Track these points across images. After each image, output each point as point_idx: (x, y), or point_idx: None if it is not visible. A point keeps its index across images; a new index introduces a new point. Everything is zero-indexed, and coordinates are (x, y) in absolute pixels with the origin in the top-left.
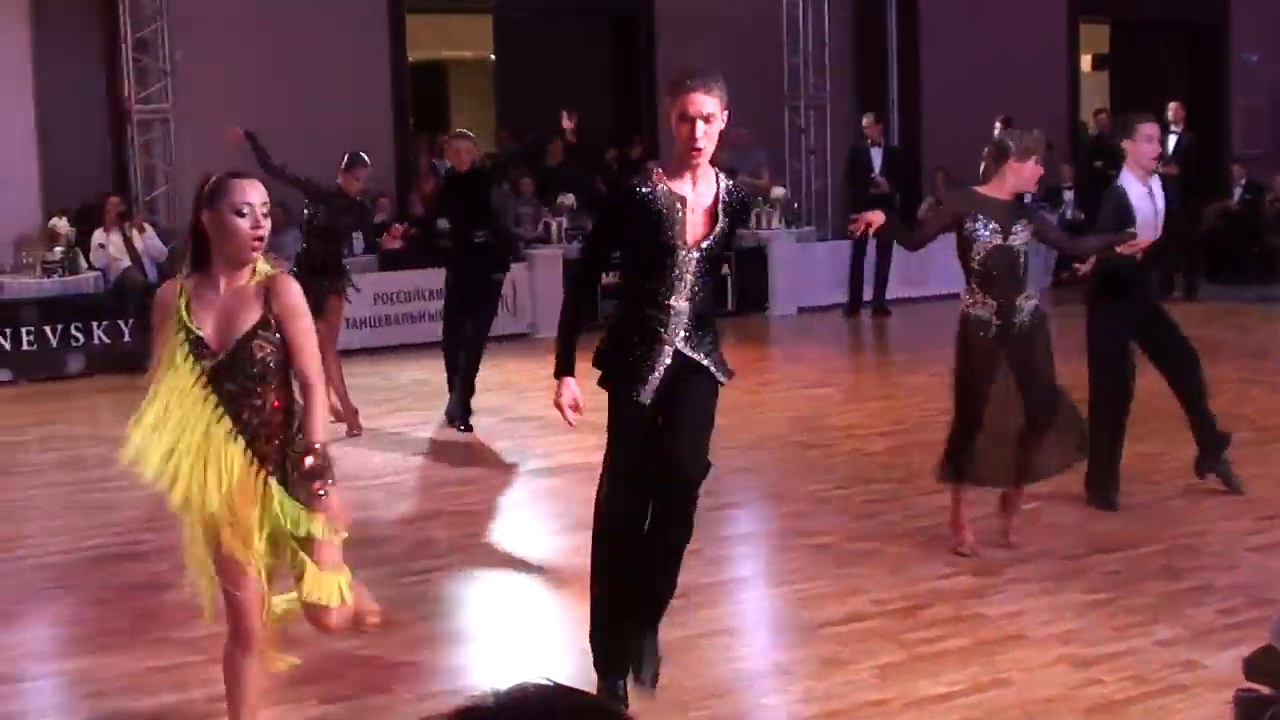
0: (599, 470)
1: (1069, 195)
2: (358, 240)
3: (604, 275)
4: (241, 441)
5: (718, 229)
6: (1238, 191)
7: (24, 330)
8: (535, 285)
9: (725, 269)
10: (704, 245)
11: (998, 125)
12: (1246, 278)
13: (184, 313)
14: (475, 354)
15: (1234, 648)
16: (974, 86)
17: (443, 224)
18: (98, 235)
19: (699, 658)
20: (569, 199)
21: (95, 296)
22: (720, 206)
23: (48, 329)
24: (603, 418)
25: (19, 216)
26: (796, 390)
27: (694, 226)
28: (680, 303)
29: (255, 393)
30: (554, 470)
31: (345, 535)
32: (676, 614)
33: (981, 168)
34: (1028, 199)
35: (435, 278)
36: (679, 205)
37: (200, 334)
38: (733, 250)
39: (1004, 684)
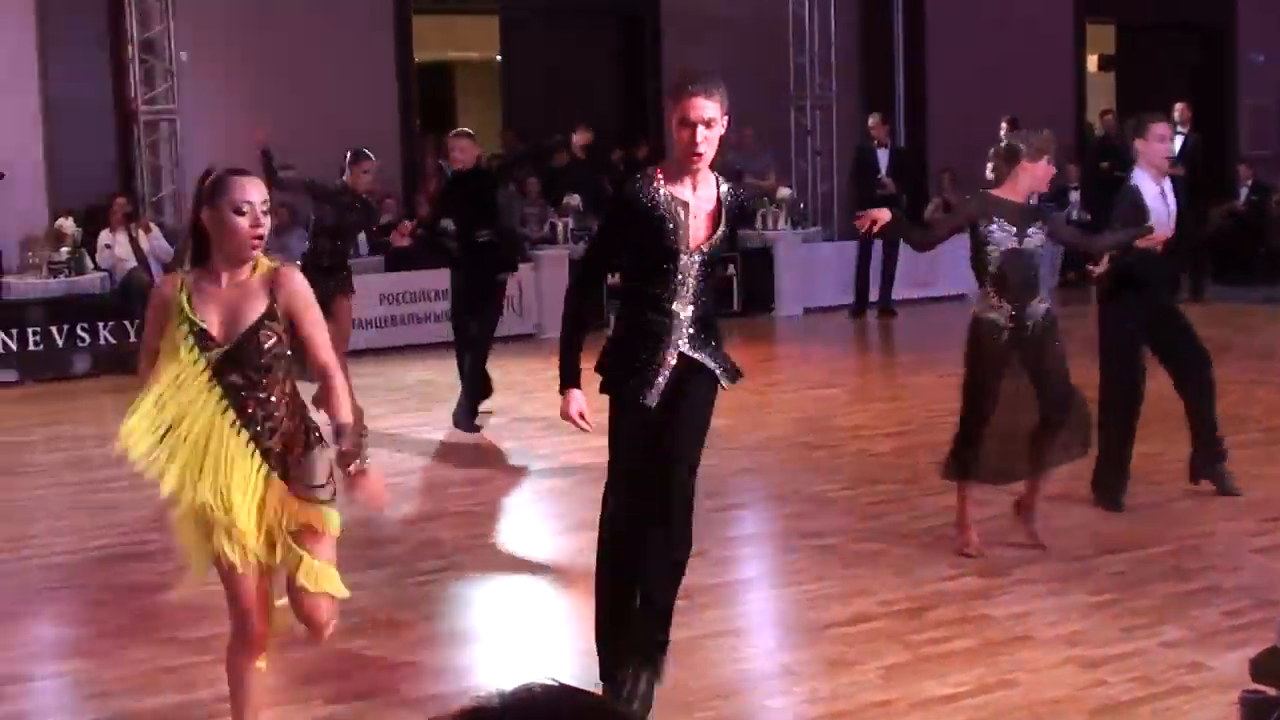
0: (604, 472)
1: (1075, 196)
2: (362, 241)
3: (609, 277)
4: (245, 434)
5: (718, 233)
6: (1244, 192)
7: (30, 330)
8: (541, 286)
9: (731, 269)
10: (705, 250)
11: (1003, 126)
12: (1253, 278)
13: (186, 306)
14: (479, 355)
15: (1240, 649)
16: (980, 87)
17: (447, 224)
18: (104, 236)
19: (704, 658)
20: (575, 199)
21: (101, 297)
22: (721, 210)
23: (54, 329)
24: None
25: (25, 217)
26: (802, 391)
27: (696, 231)
28: (683, 308)
29: (260, 385)
30: (559, 471)
31: (385, 508)
32: (682, 614)
33: (988, 169)
34: (1033, 199)
35: (441, 278)
36: (681, 210)
37: (204, 326)
38: (738, 251)
39: (1010, 685)
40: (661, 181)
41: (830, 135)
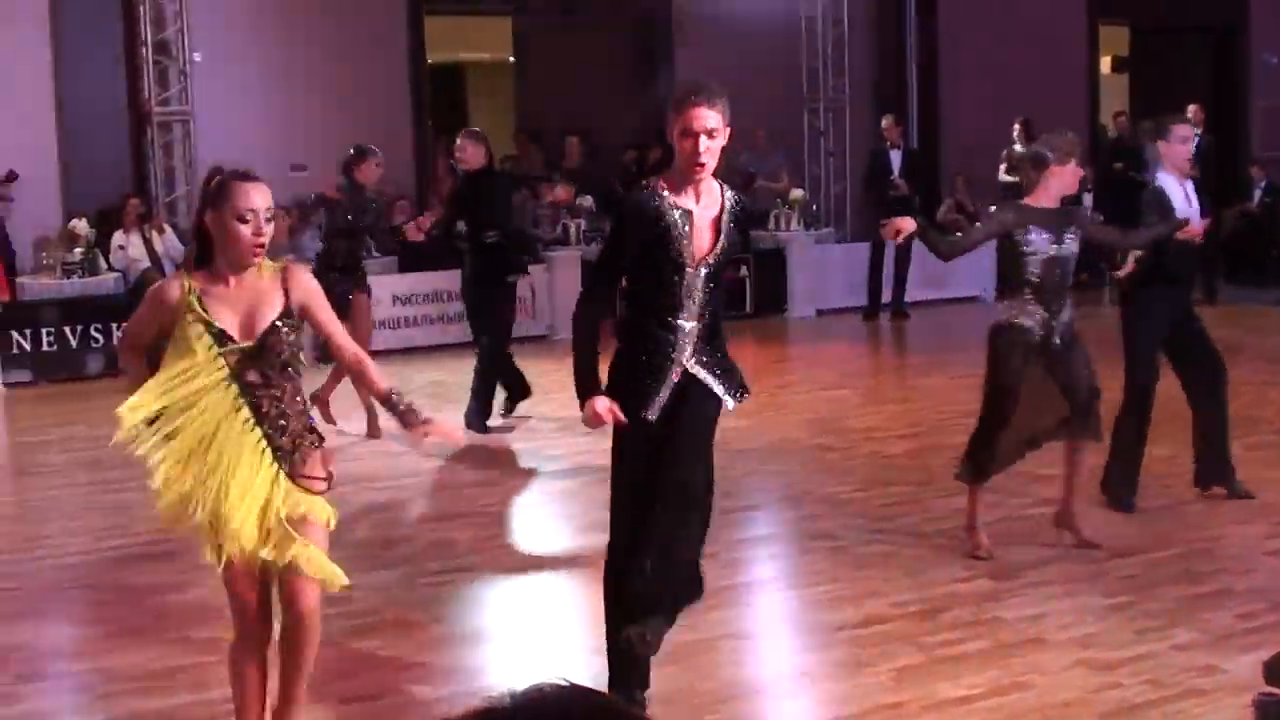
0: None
1: (1088, 198)
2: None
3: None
4: (258, 432)
5: (721, 244)
6: (1257, 194)
7: (44, 331)
8: (554, 287)
9: (743, 270)
10: (711, 262)
11: (1016, 127)
12: (1265, 280)
13: (198, 307)
14: (488, 357)
15: (1253, 652)
16: (993, 89)
17: (462, 226)
18: (117, 237)
19: (715, 660)
20: (587, 201)
21: (115, 297)
22: (725, 219)
23: (67, 330)
24: None
25: (39, 218)
26: (815, 392)
27: (700, 243)
28: (689, 321)
29: (275, 383)
30: (572, 472)
31: (462, 441)
32: (692, 615)
33: (1001, 170)
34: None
35: (454, 279)
36: (685, 221)
37: (222, 327)
38: (751, 252)
39: (1023, 687)
40: (665, 192)
41: (843, 136)
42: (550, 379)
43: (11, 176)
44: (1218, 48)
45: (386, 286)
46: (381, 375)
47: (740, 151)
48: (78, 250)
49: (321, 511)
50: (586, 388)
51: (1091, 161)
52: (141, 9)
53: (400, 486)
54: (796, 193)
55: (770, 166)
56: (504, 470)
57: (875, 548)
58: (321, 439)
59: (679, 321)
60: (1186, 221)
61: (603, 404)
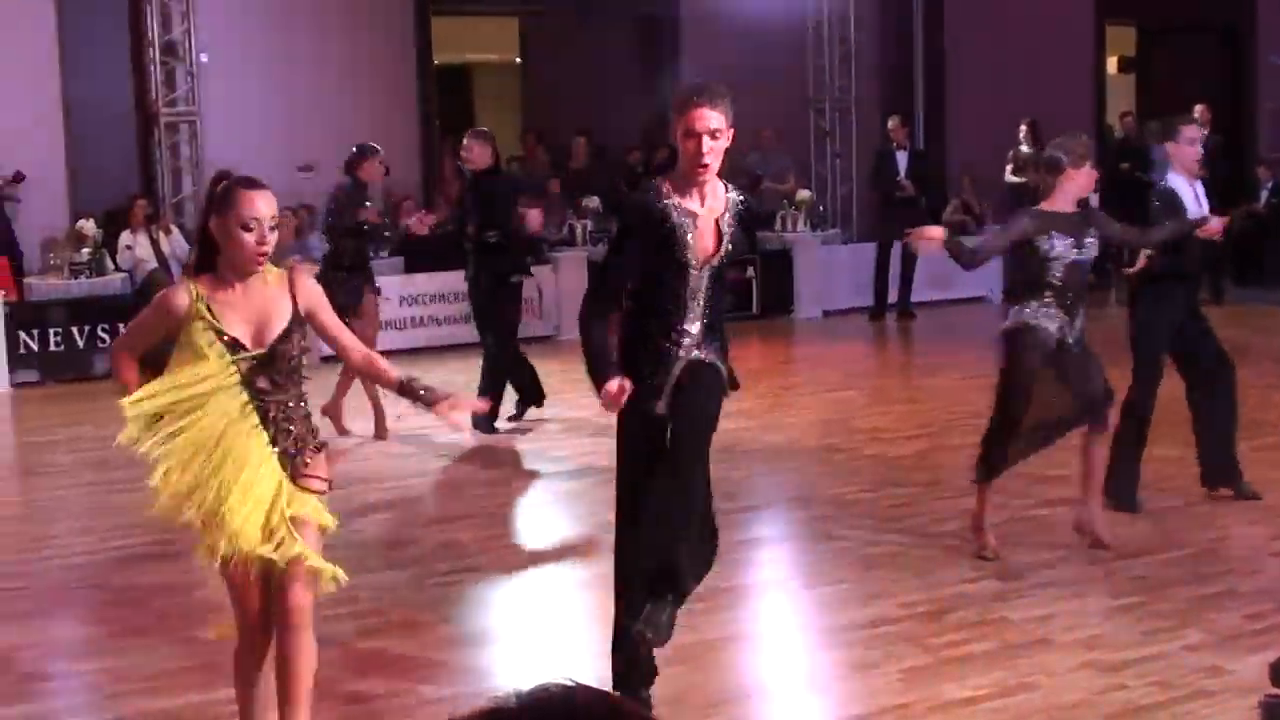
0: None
1: (1094, 198)
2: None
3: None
4: (265, 435)
5: (725, 245)
6: (1264, 194)
7: (51, 331)
8: (560, 288)
9: (750, 271)
10: (714, 264)
11: (1023, 128)
12: (1272, 280)
13: (208, 315)
14: (493, 357)
15: (1260, 653)
16: (999, 89)
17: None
18: (124, 237)
19: (721, 661)
20: (593, 201)
21: (122, 298)
22: (730, 219)
23: (74, 330)
24: None
25: (46, 218)
26: (821, 393)
27: (704, 244)
28: (693, 323)
29: (284, 388)
30: (579, 472)
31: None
32: (698, 617)
33: (1007, 171)
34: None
35: (461, 280)
36: (689, 222)
37: (234, 335)
38: (757, 253)
39: (1029, 688)
40: (670, 194)
41: (849, 137)
42: (556, 379)
43: (19, 177)
44: (1225, 48)
45: (393, 287)
46: (392, 366)
47: (747, 152)
48: (85, 251)
49: (320, 515)
50: (604, 369)
51: (1098, 162)
52: (148, 10)
53: (407, 487)
54: (803, 193)
55: (776, 167)
56: (511, 471)
57: (882, 548)
58: (324, 443)
59: (682, 323)
60: (1206, 220)
61: (616, 381)
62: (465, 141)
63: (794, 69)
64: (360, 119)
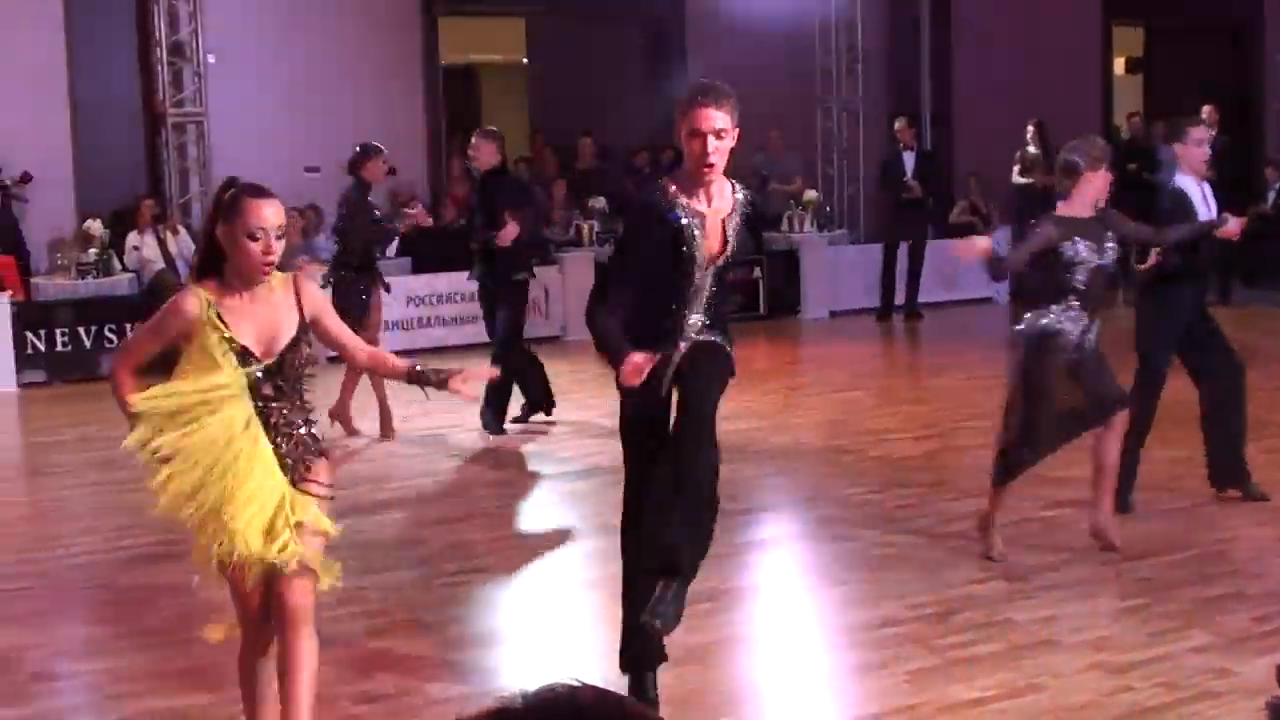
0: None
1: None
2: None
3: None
4: (268, 443)
5: (731, 245)
6: (1272, 195)
7: (58, 331)
8: (566, 288)
9: (756, 272)
10: (720, 263)
11: (1030, 129)
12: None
13: (219, 323)
14: (500, 358)
15: (1267, 655)
16: (1007, 90)
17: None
18: (132, 237)
19: (728, 662)
20: (600, 201)
21: (129, 298)
22: (736, 218)
23: (82, 330)
24: None
25: (54, 219)
26: (828, 394)
27: (711, 244)
28: (696, 317)
29: (287, 395)
30: (586, 472)
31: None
32: (706, 617)
33: (1014, 171)
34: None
35: (467, 280)
36: (697, 222)
37: (244, 344)
38: (764, 253)
39: (1036, 690)
40: (676, 194)
41: (856, 138)
42: (564, 380)
43: (26, 178)
44: (1232, 49)
45: (400, 288)
46: (398, 358)
47: (754, 153)
48: (92, 251)
49: (320, 520)
50: (619, 347)
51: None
52: (156, 10)
53: (414, 487)
54: (810, 194)
55: (783, 168)
56: (518, 471)
57: (888, 549)
58: (326, 449)
59: (685, 322)
60: (1224, 220)
61: (635, 356)
62: (473, 140)
63: (801, 69)
64: (367, 120)
